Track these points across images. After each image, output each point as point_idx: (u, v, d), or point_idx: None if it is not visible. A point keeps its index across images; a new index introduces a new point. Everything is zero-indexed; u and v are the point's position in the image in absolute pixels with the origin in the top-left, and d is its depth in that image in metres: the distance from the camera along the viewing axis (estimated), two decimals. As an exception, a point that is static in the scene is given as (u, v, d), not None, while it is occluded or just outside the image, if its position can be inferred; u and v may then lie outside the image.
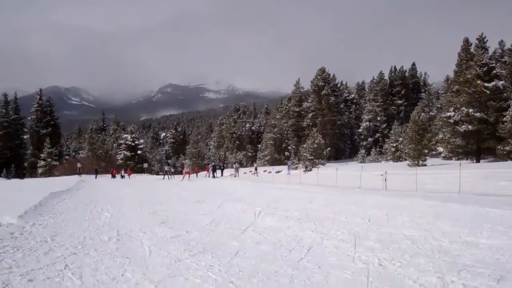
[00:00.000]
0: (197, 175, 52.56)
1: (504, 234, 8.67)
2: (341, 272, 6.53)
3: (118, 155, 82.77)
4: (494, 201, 14.72)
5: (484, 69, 47.42)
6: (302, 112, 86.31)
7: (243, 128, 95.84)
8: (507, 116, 43.79)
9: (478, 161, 47.58)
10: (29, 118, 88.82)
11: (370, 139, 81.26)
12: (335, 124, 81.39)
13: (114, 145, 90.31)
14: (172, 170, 51.53)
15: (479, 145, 47.58)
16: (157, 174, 76.62)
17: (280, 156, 78.97)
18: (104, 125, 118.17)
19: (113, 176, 55.65)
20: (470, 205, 13.23)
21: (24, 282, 6.18)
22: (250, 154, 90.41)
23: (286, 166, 57.28)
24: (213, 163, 56.89)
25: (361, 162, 65.73)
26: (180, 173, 65.57)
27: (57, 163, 75.10)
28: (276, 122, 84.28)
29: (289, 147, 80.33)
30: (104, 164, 75.59)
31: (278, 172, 56.12)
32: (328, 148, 71.70)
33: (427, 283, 5.81)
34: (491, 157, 48.16)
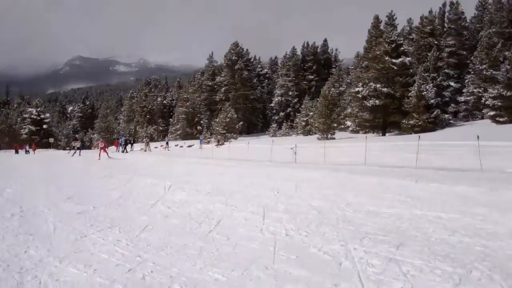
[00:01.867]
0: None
1: (404, 203, 9.11)
2: (249, 243, 6.59)
3: (23, 130, 79.03)
4: (396, 172, 15.41)
5: (393, 46, 49.45)
6: (215, 86, 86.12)
7: (155, 102, 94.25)
8: (412, 92, 46.09)
9: (384, 135, 49.84)
10: None
11: (281, 114, 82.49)
12: (247, 99, 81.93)
13: (18, 119, 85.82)
14: (78, 145, 48.32)
15: (385, 119, 49.77)
16: (64, 149, 73.93)
17: (192, 130, 78.61)
18: (8, 99, 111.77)
19: (17, 152, 53.14)
20: (374, 176, 13.78)
21: None
22: (161, 128, 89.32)
23: (198, 141, 57.18)
24: (123, 138, 55.53)
25: (272, 136, 66.74)
26: (89, 148, 63.49)
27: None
28: (188, 96, 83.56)
29: (202, 122, 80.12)
30: (7, 139, 71.84)
31: (190, 146, 55.91)
32: (241, 123, 72.24)
33: (331, 251, 5.99)
34: (396, 131, 50.51)
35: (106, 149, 30.48)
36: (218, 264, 5.62)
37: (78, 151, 42.64)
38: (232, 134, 64.14)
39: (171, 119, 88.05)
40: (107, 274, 5.31)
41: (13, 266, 5.68)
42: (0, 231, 7.69)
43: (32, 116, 79.26)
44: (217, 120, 67.14)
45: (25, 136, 75.88)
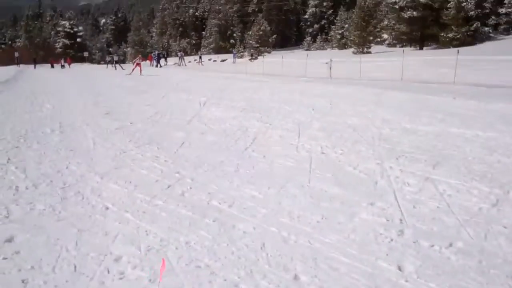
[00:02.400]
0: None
1: (442, 121, 8.95)
2: (285, 160, 6.67)
3: (57, 44, 79.30)
4: (434, 88, 15.09)
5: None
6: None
7: (187, 14, 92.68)
8: (451, 2, 44.03)
9: (421, 48, 48.37)
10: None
11: (316, 26, 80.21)
12: (281, 10, 79.75)
13: (52, 33, 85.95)
14: (116, 58, 47.96)
15: (423, 32, 48.09)
16: (99, 63, 74.37)
17: (225, 44, 77.60)
18: (41, 11, 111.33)
19: (52, 66, 53.61)
20: (411, 93, 13.53)
21: (-38, 178, 6.02)
22: (194, 42, 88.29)
23: (232, 55, 56.62)
24: (156, 52, 55.25)
25: (307, 50, 65.53)
26: (123, 62, 63.53)
27: (-7, 52, 71.46)
28: (220, 8, 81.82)
29: (234, 34, 78.80)
30: (42, 53, 72.37)
31: (223, 60, 55.55)
32: (274, 36, 70.80)
33: (366, 170, 6.02)
34: (434, 44, 48.91)
35: (140, 66, 30.05)
36: (254, 182, 5.73)
37: (116, 64, 42.75)
38: (266, 48, 63.13)
39: (203, 32, 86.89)
40: (147, 190, 5.49)
41: (56, 182, 5.89)
42: (42, 146, 7.93)
43: (66, 30, 79.02)
44: (250, 33, 65.93)
45: (60, 50, 76.14)
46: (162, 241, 4.03)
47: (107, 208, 4.93)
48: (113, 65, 44.62)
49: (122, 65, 44.77)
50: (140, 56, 36.51)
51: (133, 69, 29.31)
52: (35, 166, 6.63)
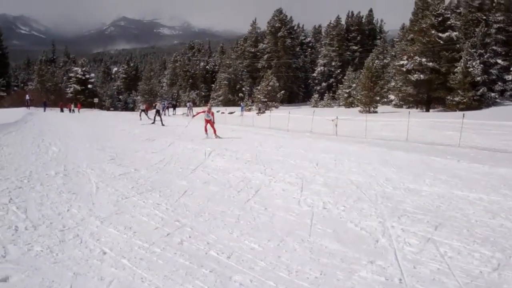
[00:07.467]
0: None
1: (445, 182, 8.95)
2: (286, 214, 6.64)
3: (68, 89, 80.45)
4: (439, 150, 15.15)
5: (439, 19, 47.80)
6: (258, 53, 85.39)
7: (197, 67, 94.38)
8: (458, 67, 44.71)
9: (427, 110, 48.72)
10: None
11: (324, 84, 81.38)
12: (290, 67, 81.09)
13: (64, 78, 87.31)
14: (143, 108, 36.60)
15: (429, 94, 48.60)
16: (108, 109, 75.26)
17: (234, 97, 78.62)
18: (54, 57, 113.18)
19: (62, 110, 54.30)
20: (416, 153, 13.59)
21: (-38, 216, 6.01)
22: (203, 93, 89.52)
23: (239, 108, 57.22)
24: (165, 101, 55.90)
25: (313, 106, 66.15)
26: (132, 110, 63.70)
27: (5, 94, 72.45)
28: (231, 62, 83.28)
29: (243, 88, 79.94)
30: (53, 97, 73.33)
31: (231, 113, 56.04)
32: (282, 91, 71.65)
33: (368, 227, 5.98)
34: (440, 107, 49.32)
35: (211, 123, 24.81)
36: (254, 234, 5.69)
37: (143, 113, 34.52)
38: (273, 102, 63.80)
39: (213, 85, 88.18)
40: (146, 237, 5.46)
41: (56, 224, 5.89)
42: (45, 188, 7.94)
43: (78, 76, 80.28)
44: (259, 87, 66.80)
45: (71, 95, 77.18)
46: (157, 289, 3.98)
47: (104, 253, 4.90)
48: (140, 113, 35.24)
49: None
50: (159, 101, 34.88)
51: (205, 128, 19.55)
52: (36, 207, 6.63)
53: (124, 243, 5.25)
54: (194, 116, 18.58)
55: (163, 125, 26.80)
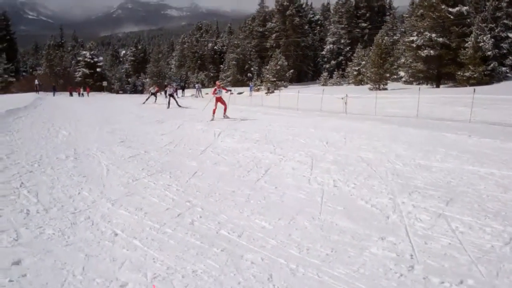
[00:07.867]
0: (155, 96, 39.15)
1: (456, 158, 8.89)
2: (296, 193, 6.64)
3: (77, 73, 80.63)
4: (450, 126, 15.05)
5: (449, -7, 47.11)
6: (266, 33, 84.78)
7: (206, 48, 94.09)
8: (469, 42, 44.16)
9: (438, 86, 48.31)
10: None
11: (333, 62, 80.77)
12: (298, 46, 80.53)
13: (73, 62, 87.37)
14: (153, 91, 35.98)
15: (439, 70, 48.11)
16: (117, 93, 75.41)
17: (243, 77, 78.44)
18: (62, 41, 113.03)
19: (71, 94, 54.53)
20: (426, 129, 13.50)
21: (-26, 200, 6.06)
22: (212, 74, 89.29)
23: (248, 88, 57.10)
24: (174, 83, 55.81)
25: (323, 85, 65.76)
26: (141, 92, 63.69)
27: (14, 79, 72.76)
28: (239, 42, 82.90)
29: (252, 68, 79.64)
30: (62, 81, 73.64)
31: (240, 93, 55.91)
32: (291, 70, 71.34)
33: (379, 204, 5.96)
34: (450, 83, 48.85)
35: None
36: (265, 212, 5.70)
37: (152, 96, 34.09)
38: (282, 82, 63.51)
39: (221, 65, 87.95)
40: (157, 218, 5.48)
41: (67, 207, 5.93)
42: (55, 172, 7.99)
43: (86, 59, 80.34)
44: (267, 67, 66.47)
45: (79, 79, 77.32)
46: (169, 269, 4.01)
47: (116, 235, 4.93)
48: (149, 97, 34.04)
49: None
50: (170, 85, 34.24)
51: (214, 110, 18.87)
52: (48, 191, 6.68)
53: (136, 224, 5.28)
54: (213, 94, 17.23)
55: (179, 106, 26.80)
